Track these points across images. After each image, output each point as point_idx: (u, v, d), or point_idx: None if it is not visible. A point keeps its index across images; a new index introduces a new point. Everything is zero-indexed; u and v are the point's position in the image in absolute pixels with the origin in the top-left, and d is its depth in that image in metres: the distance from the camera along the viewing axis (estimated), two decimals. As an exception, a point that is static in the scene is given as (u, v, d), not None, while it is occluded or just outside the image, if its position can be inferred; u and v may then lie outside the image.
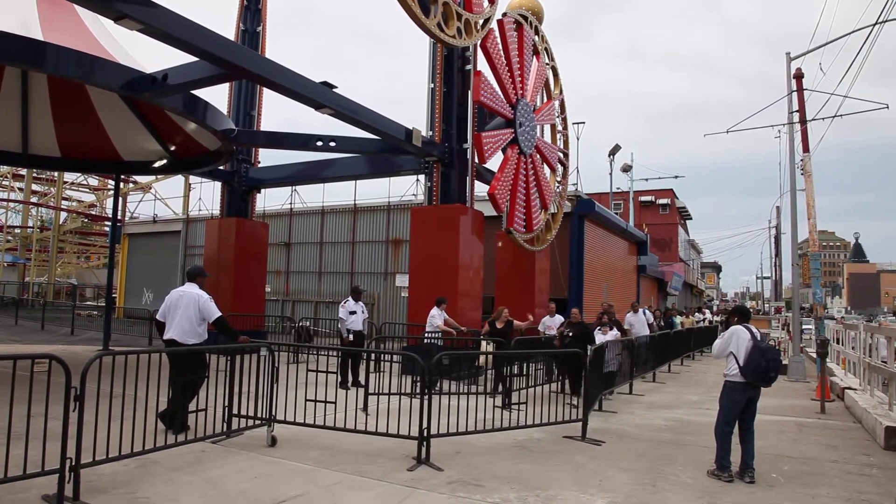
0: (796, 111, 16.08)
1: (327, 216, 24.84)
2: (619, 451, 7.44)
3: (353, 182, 22.35)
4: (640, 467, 6.69)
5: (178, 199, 35.80)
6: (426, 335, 11.65)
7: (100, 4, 7.20)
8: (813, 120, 15.93)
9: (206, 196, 49.26)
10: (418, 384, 9.17)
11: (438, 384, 8.33)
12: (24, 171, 40.48)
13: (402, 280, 21.51)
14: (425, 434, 6.51)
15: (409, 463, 6.34)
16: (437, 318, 11.84)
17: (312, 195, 43.22)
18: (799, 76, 16.28)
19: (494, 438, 7.69)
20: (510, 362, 9.60)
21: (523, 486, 5.83)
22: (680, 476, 6.41)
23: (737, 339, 6.46)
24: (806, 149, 15.63)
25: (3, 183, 46.21)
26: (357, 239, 23.97)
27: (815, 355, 15.22)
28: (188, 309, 7.11)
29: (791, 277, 19.09)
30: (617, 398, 11.35)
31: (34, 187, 44.55)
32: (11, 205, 45.78)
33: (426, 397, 6.55)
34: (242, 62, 8.84)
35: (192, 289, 7.29)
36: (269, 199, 21.17)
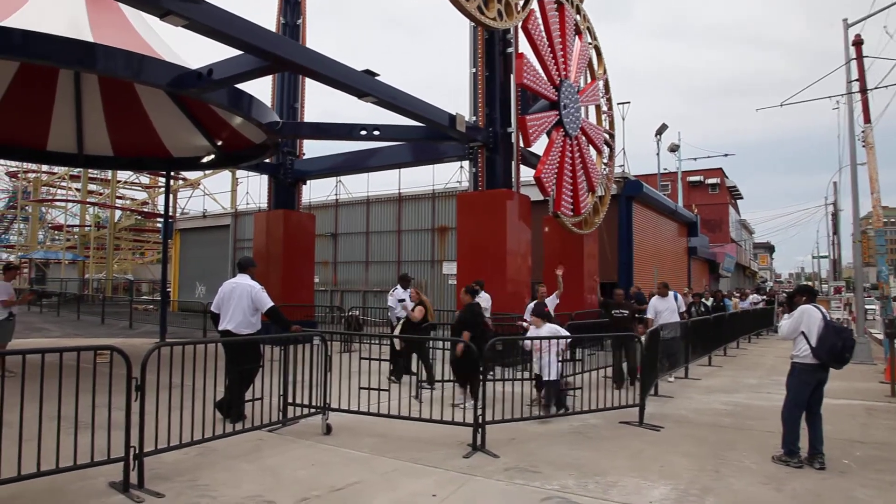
0: (856, 80, 15.37)
1: (372, 206, 24.94)
2: (679, 436, 7.24)
3: (397, 171, 22.37)
4: (702, 453, 6.49)
5: (226, 194, 36.53)
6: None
7: (146, 2, 7.27)
8: (875, 88, 15.18)
9: (254, 190, 50.26)
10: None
11: (492, 370, 8.23)
12: (79, 172, 41.83)
13: (449, 267, 21.48)
14: (480, 421, 6.45)
15: (465, 450, 6.29)
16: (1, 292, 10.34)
17: (357, 186, 43.70)
18: (858, 43, 15.53)
19: (549, 425, 7.59)
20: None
21: (581, 472, 5.71)
22: (744, 461, 6.20)
23: (808, 318, 6.17)
24: (867, 119, 14.91)
25: (62, 184, 47.85)
26: (403, 227, 24.00)
27: (880, 336, 14.60)
28: (242, 300, 7.18)
29: (852, 256, 18.34)
30: (673, 382, 11.10)
31: (90, 187, 46.00)
32: (69, 205, 47.44)
33: (480, 384, 6.50)
34: (285, 53, 8.85)
35: (244, 280, 7.35)
36: (315, 191, 21.34)
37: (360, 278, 24.84)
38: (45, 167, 44.37)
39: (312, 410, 6.97)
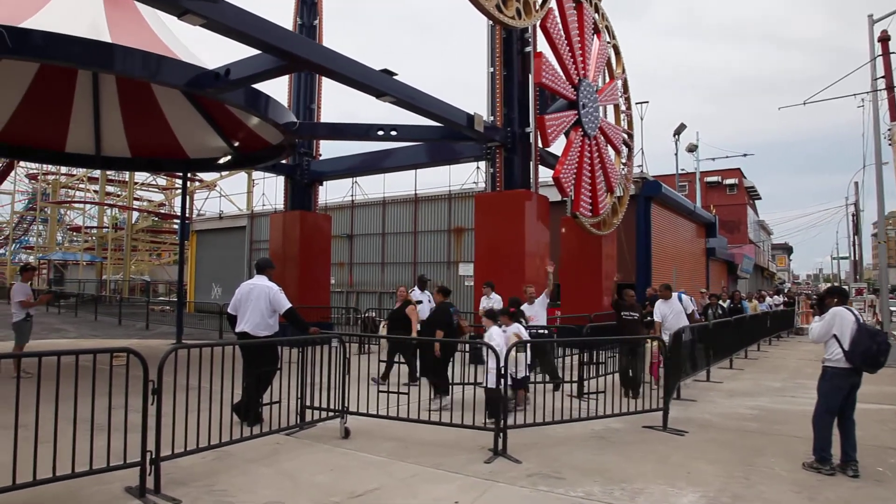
0: (882, 77, 15.05)
1: (388, 207, 24.88)
2: (704, 441, 7.07)
3: (413, 172, 22.27)
4: (729, 459, 6.31)
5: (241, 195, 36.60)
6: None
7: (164, 1, 7.21)
8: (901, 86, 14.85)
9: (269, 192, 50.39)
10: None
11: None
12: (97, 174, 42.16)
13: (466, 269, 21.35)
14: (502, 425, 6.32)
15: (486, 455, 6.16)
16: (19, 293, 10.43)
17: (373, 187, 43.73)
18: (884, 39, 15.22)
19: (571, 429, 7.42)
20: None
21: (606, 478, 5.56)
22: (773, 468, 6.01)
23: (840, 321, 5.96)
24: (894, 117, 14.61)
25: (80, 186, 48.28)
26: (419, 229, 23.91)
27: (907, 338, 14.25)
28: (259, 301, 7.09)
29: (873, 257, 17.97)
30: (694, 385, 10.90)
31: (108, 189, 46.38)
32: (87, 207, 47.84)
33: (500, 388, 6.37)
34: (303, 52, 8.77)
35: (261, 281, 7.27)
36: (331, 192, 21.24)
37: (377, 279, 24.78)
38: (63, 169, 44.77)
39: (331, 414, 6.87)
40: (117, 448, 4.81)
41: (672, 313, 10.71)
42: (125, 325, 21.88)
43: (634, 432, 7.39)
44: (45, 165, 42.69)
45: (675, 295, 11.11)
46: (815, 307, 7.01)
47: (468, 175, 28.31)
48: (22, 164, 46.20)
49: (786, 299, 27.68)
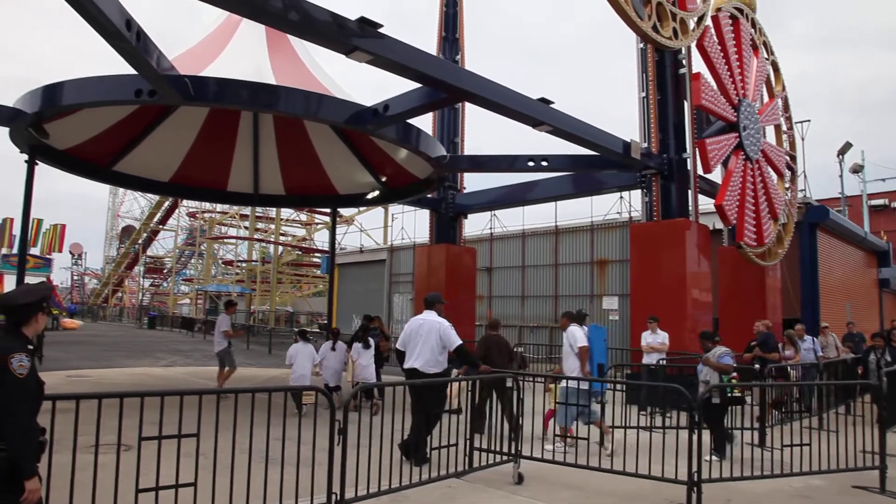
0: None
1: (528, 239, 24.54)
2: (937, 509, 6.03)
3: (553, 204, 21.82)
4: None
5: (378, 230, 37.73)
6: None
7: (334, 41, 7.40)
8: None
9: (408, 225, 51.68)
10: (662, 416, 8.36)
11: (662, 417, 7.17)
12: (247, 211, 45.22)
13: (610, 302, 20.50)
14: (695, 478, 5.69)
15: (677, 512, 5.56)
16: (223, 324, 11.86)
17: (511, 219, 43.68)
18: None
19: (767, 485, 6.61)
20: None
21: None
22: None
23: None
24: None
25: (232, 222, 52.02)
26: (560, 261, 23.35)
27: None
28: (430, 336, 6.94)
29: None
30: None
31: (256, 225, 49.60)
32: (238, 241, 51.42)
33: (695, 435, 5.76)
34: (465, 85, 8.73)
35: (431, 316, 7.14)
36: (469, 225, 21.26)
37: (516, 313, 24.39)
38: (219, 207, 48.35)
39: (505, 458, 6.52)
40: (289, 482, 4.75)
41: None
42: (275, 355, 22.85)
43: (843, 493, 6.48)
44: (203, 203, 46.30)
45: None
46: None
47: (611, 205, 27.42)
48: (183, 202, 50.54)
49: None
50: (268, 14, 6.88)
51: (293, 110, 10.02)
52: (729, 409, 7.72)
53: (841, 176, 28.30)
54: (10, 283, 35.71)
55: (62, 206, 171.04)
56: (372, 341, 10.52)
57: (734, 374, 7.59)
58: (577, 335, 8.34)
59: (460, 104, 16.44)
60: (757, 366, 10.36)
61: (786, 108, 17.32)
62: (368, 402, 8.84)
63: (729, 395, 7.44)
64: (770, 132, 16.48)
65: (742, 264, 14.50)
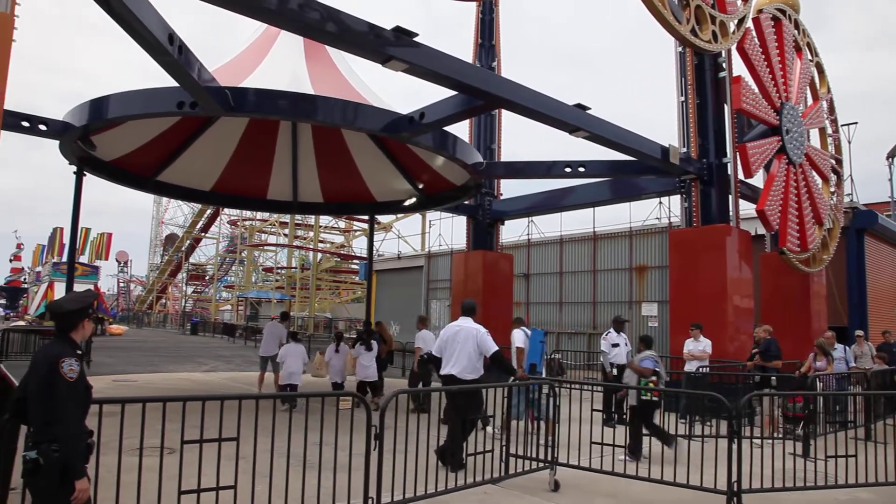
0: None
1: (566, 245, 24.38)
2: None
3: (591, 210, 21.66)
4: None
5: (415, 236, 37.93)
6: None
7: (371, 50, 7.49)
8: None
9: (445, 232, 51.76)
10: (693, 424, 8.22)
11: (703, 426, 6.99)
12: (287, 219, 45.90)
13: (649, 308, 20.21)
14: (735, 488, 5.59)
15: (718, 523, 5.46)
16: (281, 333, 12.75)
17: (549, 225, 43.50)
18: None
19: (810, 497, 6.44)
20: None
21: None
22: None
23: None
24: None
25: (272, 230, 52.90)
26: (598, 267, 23.13)
27: None
28: (467, 343, 6.96)
29: None
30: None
31: (295, 232, 50.35)
32: (277, 249, 52.26)
33: (734, 444, 5.66)
34: (501, 92, 8.72)
35: (468, 323, 7.15)
36: (506, 232, 21.22)
37: (554, 320, 24.23)
38: (259, 215, 49.24)
39: (541, 465, 6.49)
40: (327, 487, 4.82)
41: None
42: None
43: (892, 507, 6.26)
44: (243, 212, 47.26)
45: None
46: None
47: (650, 211, 27.08)
48: (224, 210, 51.60)
49: None
50: (306, 26, 6.99)
51: (331, 119, 10.12)
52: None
53: (890, 179, 27.41)
54: (59, 291, 36.96)
55: (109, 216, 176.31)
56: (374, 344, 11.65)
57: (653, 377, 7.85)
58: (515, 337, 9.33)
59: (497, 110, 16.45)
60: (757, 377, 10.14)
61: (831, 110, 16.88)
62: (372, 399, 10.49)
63: (643, 397, 7.76)
64: (814, 135, 16.09)
65: (785, 270, 14.15)
